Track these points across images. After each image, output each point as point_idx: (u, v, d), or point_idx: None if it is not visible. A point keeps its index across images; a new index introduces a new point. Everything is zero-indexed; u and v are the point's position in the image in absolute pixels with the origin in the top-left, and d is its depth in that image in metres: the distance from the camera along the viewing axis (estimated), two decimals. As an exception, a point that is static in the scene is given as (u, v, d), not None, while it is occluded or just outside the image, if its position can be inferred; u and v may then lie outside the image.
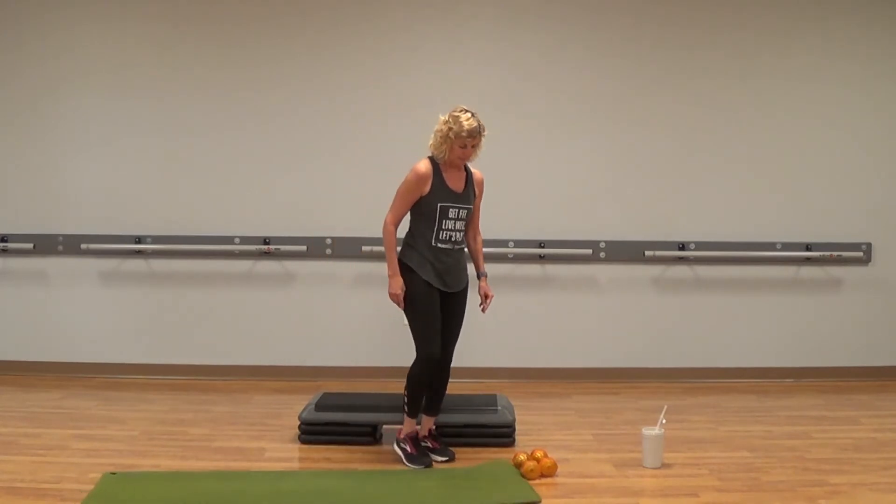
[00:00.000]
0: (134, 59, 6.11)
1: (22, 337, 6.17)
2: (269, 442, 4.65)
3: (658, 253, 6.16)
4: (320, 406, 4.66)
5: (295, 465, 4.35)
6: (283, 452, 4.48)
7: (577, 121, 6.18)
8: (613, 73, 6.18)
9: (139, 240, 6.11)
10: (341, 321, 6.17)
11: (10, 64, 6.10)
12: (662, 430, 4.25)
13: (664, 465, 4.23)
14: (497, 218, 5.69)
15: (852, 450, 4.53)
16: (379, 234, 4.29)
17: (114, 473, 4.00)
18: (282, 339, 6.18)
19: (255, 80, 6.11)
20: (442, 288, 4.28)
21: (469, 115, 4.17)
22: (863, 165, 6.27)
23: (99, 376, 6.12)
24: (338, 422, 4.60)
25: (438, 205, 4.22)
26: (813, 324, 6.27)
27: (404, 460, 4.29)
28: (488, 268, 4.61)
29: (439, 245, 4.25)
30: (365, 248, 6.03)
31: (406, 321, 4.31)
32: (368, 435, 4.62)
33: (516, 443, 4.59)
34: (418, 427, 4.42)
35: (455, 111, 4.18)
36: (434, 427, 4.48)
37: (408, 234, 4.34)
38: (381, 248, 4.34)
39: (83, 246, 6.07)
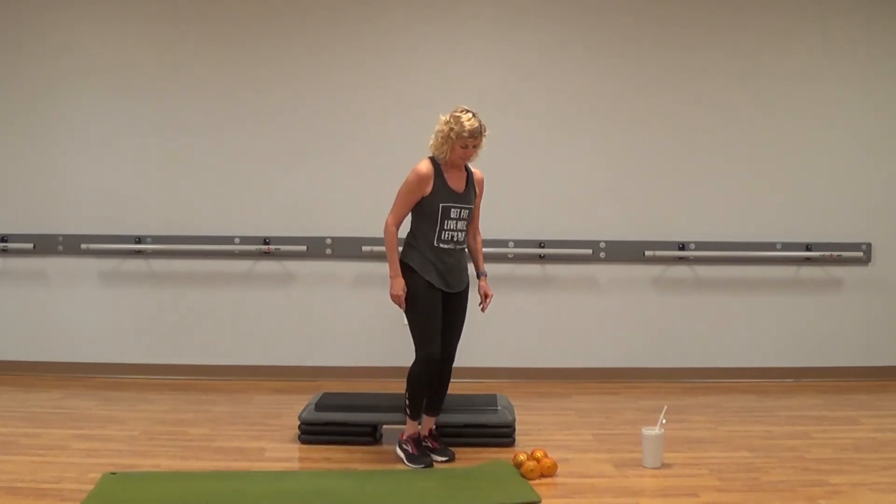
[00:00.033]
0: (134, 59, 6.11)
1: (22, 337, 6.17)
2: (269, 442, 4.65)
3: (658, 253, 6.16)
4: (320, 406, 4.66)
5: (295, 465, 4.35)
6: (283, 452, 4.48)
7: (577, 121, 6.18)
8: (613, 73, 6.18)
9: (139, 240, 6.11)
10: (341, 321, 6.17)
11: (10, 64, 6.10)
12: (662, 430, 4.25)
13: (664, 465, 4.23)
14: (497, 218, 5.69)
15: (852, 450, 4.52)
16: (379, 234, 4.29)
17: (114, 473, 4.00)
18: (282, 339, 6.18)
19: (255, 80, 6.11)
20: (444, 288, 4.27)
21: (470, 115, 4.17)
22: (863, 165, 6.27)
23: (99, 376, 6.12)
24: (338, 422, 4.60)
25: (440, 205, 4.21)
26: (813, 324, 6.28)
27: (405, 461, 4.29)
28: (488, 268, 4.61)
29: (441, 245, 4.25)
30: (365, 249, 6.03)
31: (406, 321, 4.30)
32: (368, 435, 4.62)
33: (516, 443, 4.59)
34: (420, 428, 4.42)
35: (456, 111, 4.18)
36: (434, 427, 4.48)
37: (409, 234, 4.33)
38: (382, 248, 4.34)
39: (83, 246, 6.07)
